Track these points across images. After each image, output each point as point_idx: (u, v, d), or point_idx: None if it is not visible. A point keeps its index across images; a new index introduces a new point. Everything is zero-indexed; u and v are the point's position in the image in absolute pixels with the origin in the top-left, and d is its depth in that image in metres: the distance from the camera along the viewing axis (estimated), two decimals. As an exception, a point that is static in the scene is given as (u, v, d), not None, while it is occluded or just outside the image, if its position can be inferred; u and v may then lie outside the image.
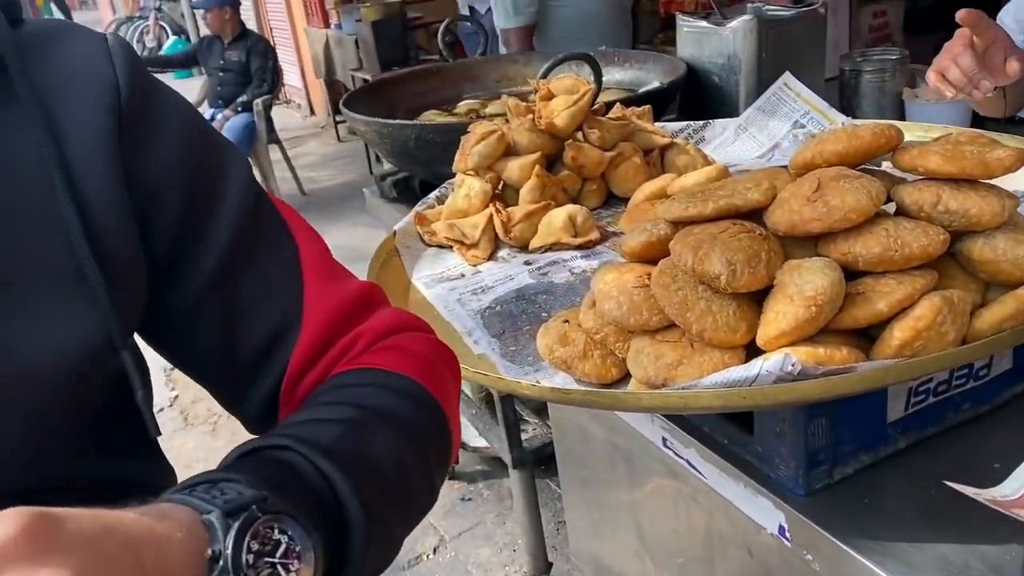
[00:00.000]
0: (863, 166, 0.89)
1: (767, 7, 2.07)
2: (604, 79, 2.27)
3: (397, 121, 1.85)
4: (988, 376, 0.98)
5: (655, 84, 2.03)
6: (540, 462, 2.20)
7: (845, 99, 2.14)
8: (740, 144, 1.57)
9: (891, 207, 0.88)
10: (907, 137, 1.45)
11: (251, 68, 5.58)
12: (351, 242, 5.23)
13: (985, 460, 0.93)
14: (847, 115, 2.19)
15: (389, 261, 1.32)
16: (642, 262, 0.92)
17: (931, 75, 1.27)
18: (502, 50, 2.93)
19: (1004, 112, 1.45)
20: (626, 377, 0.91)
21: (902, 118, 2.10)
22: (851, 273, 0.81)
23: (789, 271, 0.79)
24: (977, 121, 2.07)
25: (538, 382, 0.90)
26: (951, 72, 1.24)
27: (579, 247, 1.27)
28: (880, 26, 5.78)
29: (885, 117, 2.14)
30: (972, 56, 1.21)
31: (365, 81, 5.95)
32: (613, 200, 1.46)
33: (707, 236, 0.82)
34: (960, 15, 1.20)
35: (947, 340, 0.77)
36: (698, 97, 1.98)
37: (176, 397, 3.53)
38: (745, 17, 1.85)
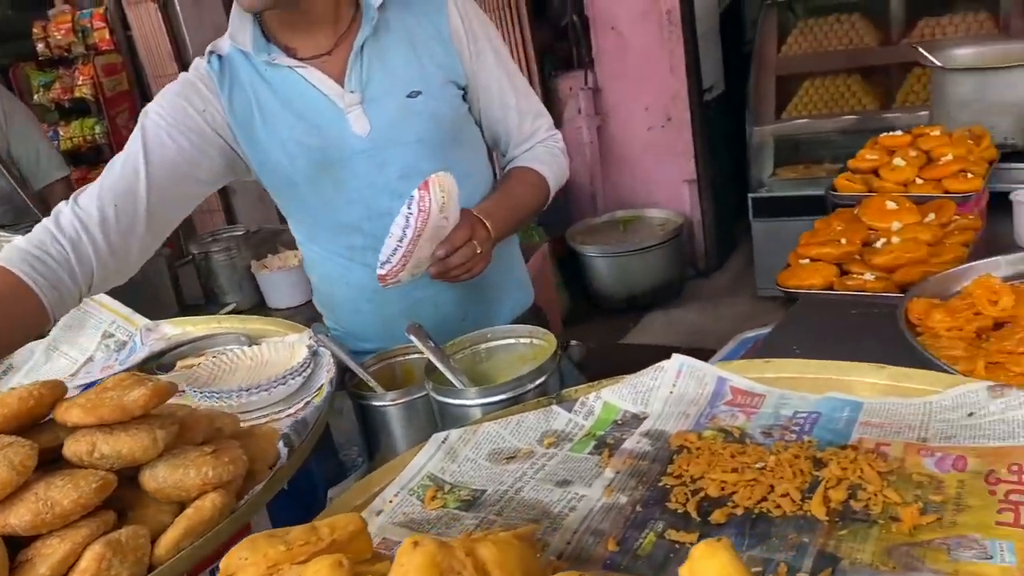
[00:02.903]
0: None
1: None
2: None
3: None
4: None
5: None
6: None
7: (202, 280, 2.22)
8: (53, 364, 1.52)
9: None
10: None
11: None
12: None
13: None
14: (208, 293, 2.29)
15: None
16: None
17: None
18: None
19: None
20: None
21: (259, 290, 2.25)
22: (28, 540, 0.81)
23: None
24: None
25: None
26: None
27: None
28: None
29: (244, 290, 2.26)
30: None
31: None
32: None
33: None
34: None
35: (123, 580, 0.80)
36: None
37: None
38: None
